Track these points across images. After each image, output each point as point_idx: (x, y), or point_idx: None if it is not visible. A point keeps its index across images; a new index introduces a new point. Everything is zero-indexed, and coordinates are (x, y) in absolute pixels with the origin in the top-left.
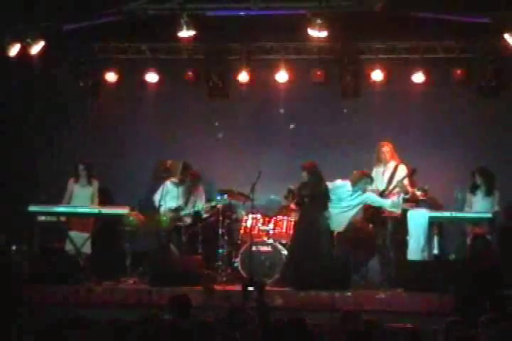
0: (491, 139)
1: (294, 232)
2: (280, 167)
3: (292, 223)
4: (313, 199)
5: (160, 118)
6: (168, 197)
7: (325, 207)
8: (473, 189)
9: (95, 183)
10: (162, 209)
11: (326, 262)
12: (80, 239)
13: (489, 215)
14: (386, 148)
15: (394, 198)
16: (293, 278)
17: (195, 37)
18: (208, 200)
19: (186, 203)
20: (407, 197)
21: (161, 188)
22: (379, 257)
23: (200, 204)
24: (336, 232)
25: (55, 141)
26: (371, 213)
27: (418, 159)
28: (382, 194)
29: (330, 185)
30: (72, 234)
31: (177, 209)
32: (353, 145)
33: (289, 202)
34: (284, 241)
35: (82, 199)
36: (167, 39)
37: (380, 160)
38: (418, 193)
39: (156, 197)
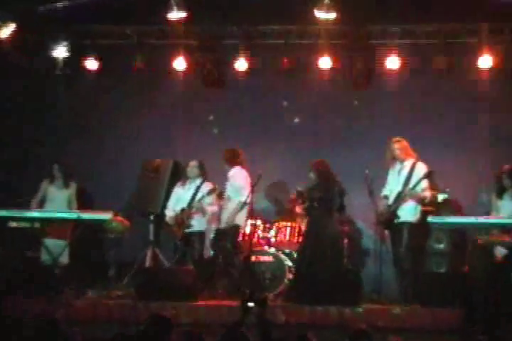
0: None
1: (303, 240)
2: (283, 166)
3: (297, 229)
4: (321, 203)
5: (147, 112)
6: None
7: (334, 211)
8: (500, 192)
9: (73, 186)
10: (168, 216)
11: (336, 274)
12: (56, 247)
13: None
14: (398, 145)
15: (409, 203)
16: (298, 292)
17: (187, 19)
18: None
19: (190, 204)
20: (425, 202)
21: (172, 196)
22: (394, 268)
23: (208, 199)
24: None
25: (28, 137)
26: (386, 218)
27: (438, 158)
28: (398, 197)
29: None
30: (48, 241)
31: (181, 213)
32: (365, 140)
33: (298, 205)
34: (287, 250)
35: (58, 203)
36: (155, 21)
37: (393, 159)
38: (439, 196)
39: (169, 207)
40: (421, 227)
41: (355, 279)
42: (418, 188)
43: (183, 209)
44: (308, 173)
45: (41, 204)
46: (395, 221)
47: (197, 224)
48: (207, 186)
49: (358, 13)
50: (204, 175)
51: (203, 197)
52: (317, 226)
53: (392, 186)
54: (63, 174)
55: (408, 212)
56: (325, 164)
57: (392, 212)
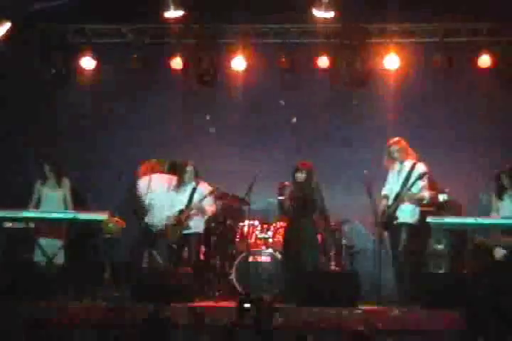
0: None
1: (283, 242)
2: (280, 166)
3: None
4: (301, 203)
5: (143, 111)
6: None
7: (313, 211)
8: (500, 192)
9: (66, 183)
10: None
11: (329, 274)
12: (51, 248)
13: None
14: (396, 147)
15: (407, 204)
16: (296, 293)
17: (183, 18)
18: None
19: (188, 205)
20: (424, 202)
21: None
22: (393, 269)
23: (208, 199)
24: None
25: (24, 137)
26: (385, 219)
27: (437, 158)
28: (397, 197)
29: None
30: (42, 241)
31: (179, 214)
32: (365, 141)
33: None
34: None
35: (52, 203)
36: (151, 20)
37: (393, 160)
38: (439, 197)
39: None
40: (420, 228)
41: (353, 280)
42: (415, 189)
43: (181, 210)
44: (296, 173)
45: (37, 206)
46: (394, 222)
47: (194, 225)
48: (202, 186)
49: (357, 12)
50: (198, 177)
51: (203, 197)
52: (295, 226)
53: (392, 186)
54: (55, 173)
55: (407, 213)
56: (312, 165)
57: (390, 212)
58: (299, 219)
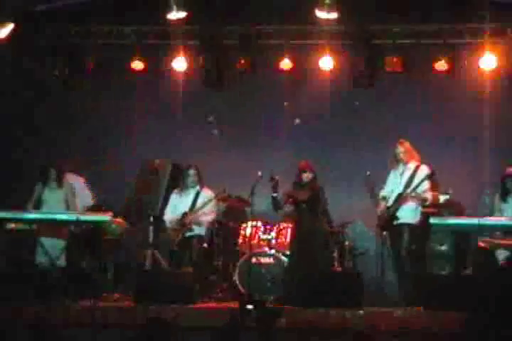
0: None
1: (291, 242)
2: (283, 167)
3: None
4: (309, 204)
5: (146, 112)
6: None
7: (320, 211)
8: (504, 195)
9: (67, 184)
10: (168, 220)
11: (332, 275)
12: (53, 247)
13: None
14: (400, 149)
15: (408, 205)
16: (296, 294)
17: (186, 19)
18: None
19: (192, 208)
20: (426, 204)
21: (170, 202)
22: (395, 269)
23: (210, 204)
24: None
25: (25, 137)
26: (385, 220)
27: (441, 158)
28: (398, 198)
29: None
30: (45, 241)
31: (182, 217)
32: (367, 142)
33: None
34: (287, 252)
35: (52, 204)
36: (155, 21)
37: (396, 161)
38: (441, 198)
39: (167, 212)
40: (421, 229)
41: (356, 281)
42: (419, 189)
43: (184, 213)
44: (303, 173)
45: (36, 207)
46: (394, 222)
47: (197, 227)
48: (206, 191)
49: (359, 13)
50: (201, 181)
51: (207, 201)
52: (306, 226)
53: (393, 187)
54: (57, 176)
55: (408, 214)
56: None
57: (391, 213)
58: (309, 219)
